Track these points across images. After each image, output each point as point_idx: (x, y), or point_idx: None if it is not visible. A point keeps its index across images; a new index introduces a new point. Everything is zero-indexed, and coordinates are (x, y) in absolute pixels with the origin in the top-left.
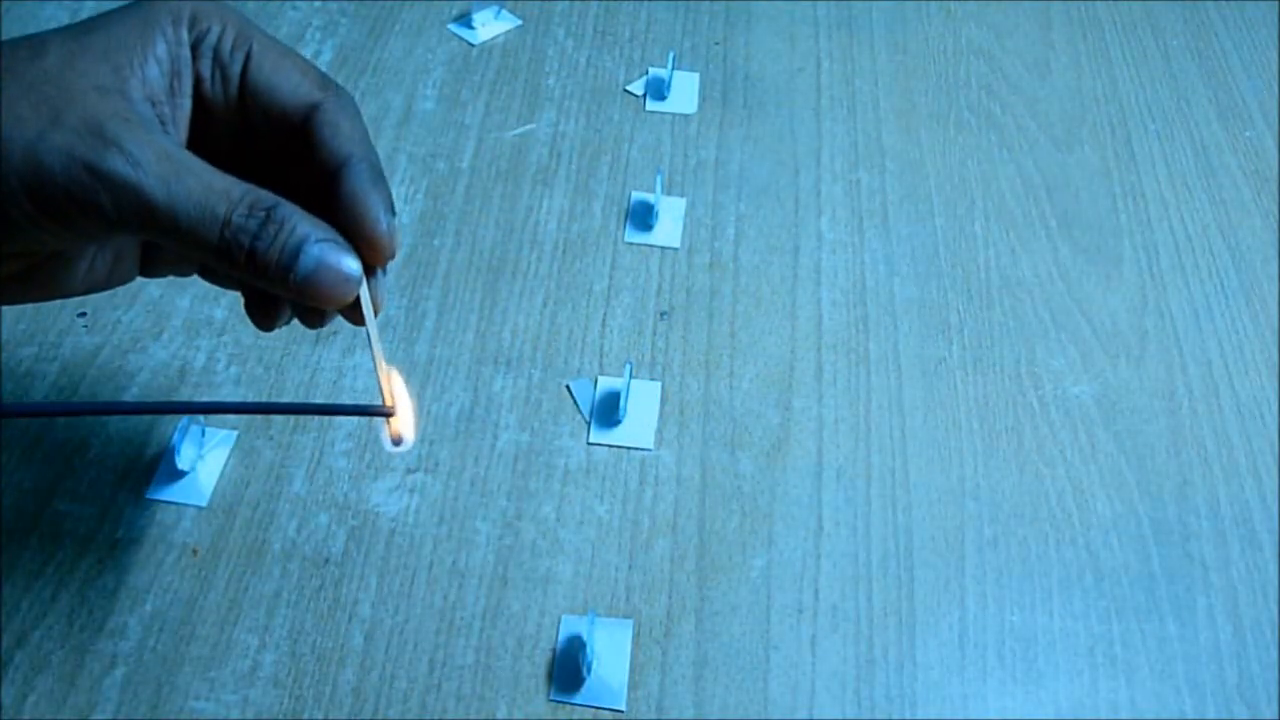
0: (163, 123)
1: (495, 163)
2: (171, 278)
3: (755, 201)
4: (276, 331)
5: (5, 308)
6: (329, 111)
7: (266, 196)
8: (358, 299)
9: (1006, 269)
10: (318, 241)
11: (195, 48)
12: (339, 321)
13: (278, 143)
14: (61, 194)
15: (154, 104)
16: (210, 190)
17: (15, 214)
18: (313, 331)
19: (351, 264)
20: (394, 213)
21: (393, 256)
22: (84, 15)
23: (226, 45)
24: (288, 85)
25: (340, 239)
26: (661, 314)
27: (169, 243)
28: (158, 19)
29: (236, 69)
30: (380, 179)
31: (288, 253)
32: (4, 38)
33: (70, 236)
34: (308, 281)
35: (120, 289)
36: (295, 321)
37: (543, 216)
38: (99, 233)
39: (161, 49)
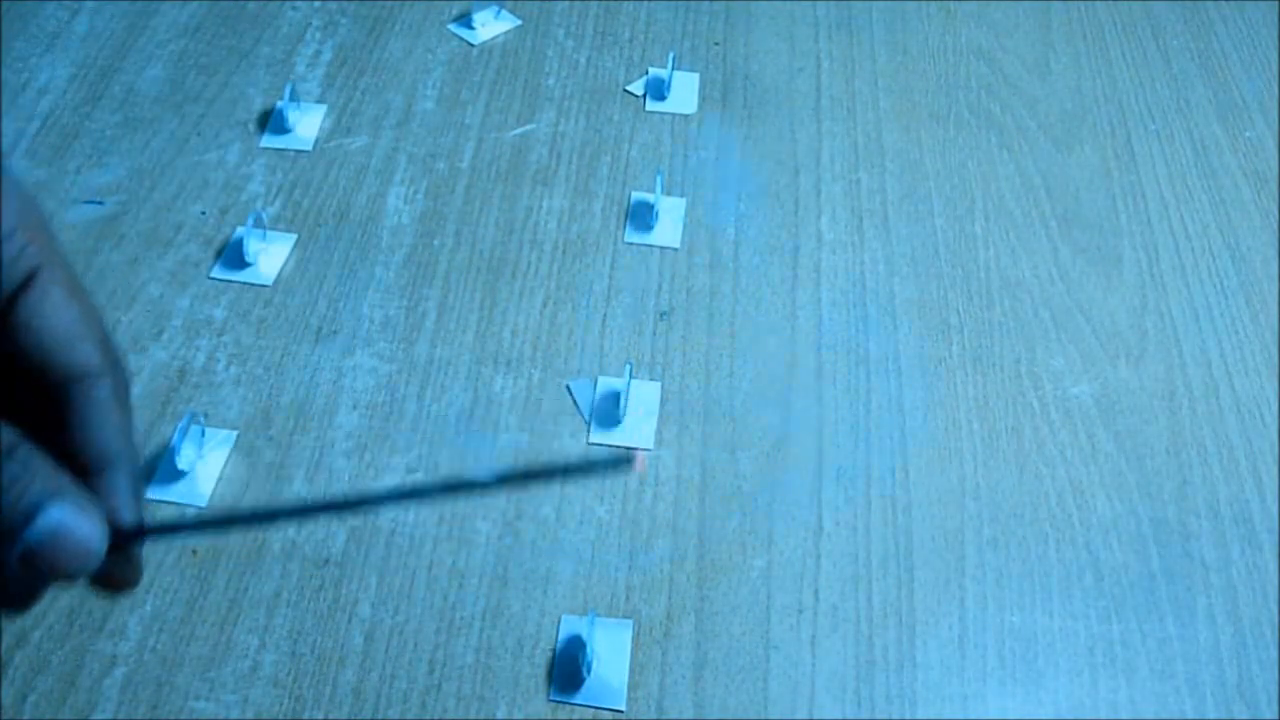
0: None
1: (495, 163)
2: (171, 278)
3: (755, 201)
4: (275, 331)
5: None
6: (104, 392)
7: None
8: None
9: (1006, 269)
10: (54, 506)
11: None
12: (339, 322)
13: (20, 386)
14: None
15: None
16: None
17: None
18: (312, 332)
19: (95, 538)
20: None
21: (136, 583)
22: (83, 15)
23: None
24: (61, 332)
25: (82, 501)
26: (661, 314)
27: None
28: None
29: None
30: (140, 491)
31: (20, 511)
32: (4, 38)
33: None
34: (40, 548)
35: (120, 289)
36: (295, 321)
37: (543, 216)
38: None
39: None
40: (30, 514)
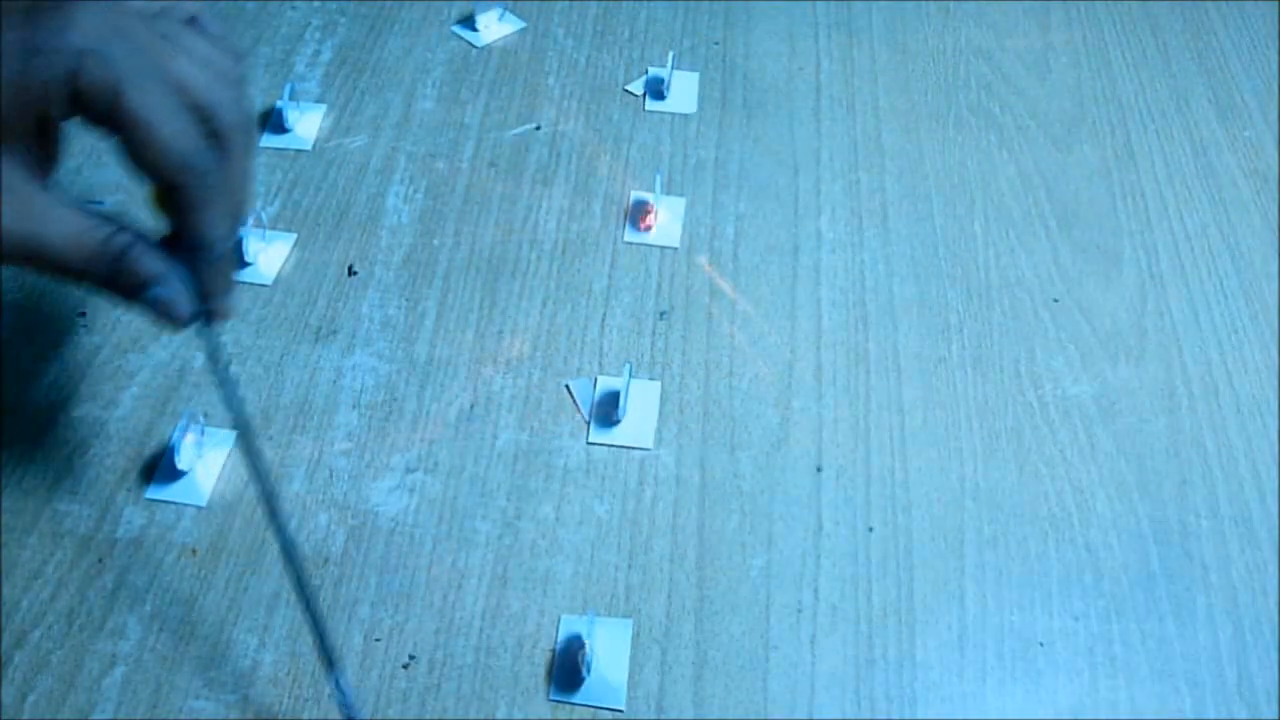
0: (38, 158)
1: (495, 162)
2: None
3: (755, 201)
4: (275, 331)
5: (6, 306)
6: (199, 190)
7: (119, 240)
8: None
9: (1006, 269)
10: (157, 287)
11: (73, 101)
12: (339, 322)
13: None
14: None
15: (27, 149)
16: (70, 235)
17: None
18: (312, 332)
19: (183, 309)
20: (231, 288)
21: (227, 317)
22: None
23: (102, 106)
24: (155, 146)
25: (178, 288)
26: (661, 314)
27: (50, 273)
28: (37, 85)
29: (115, 126)
30: (224, 268)
31: (135, 291)
32: None
33: None
34: (150, 310)
35: None
36: (294, 321)
37: (543, 216)
38: None
39: (38, 115)
40: (140, 289)
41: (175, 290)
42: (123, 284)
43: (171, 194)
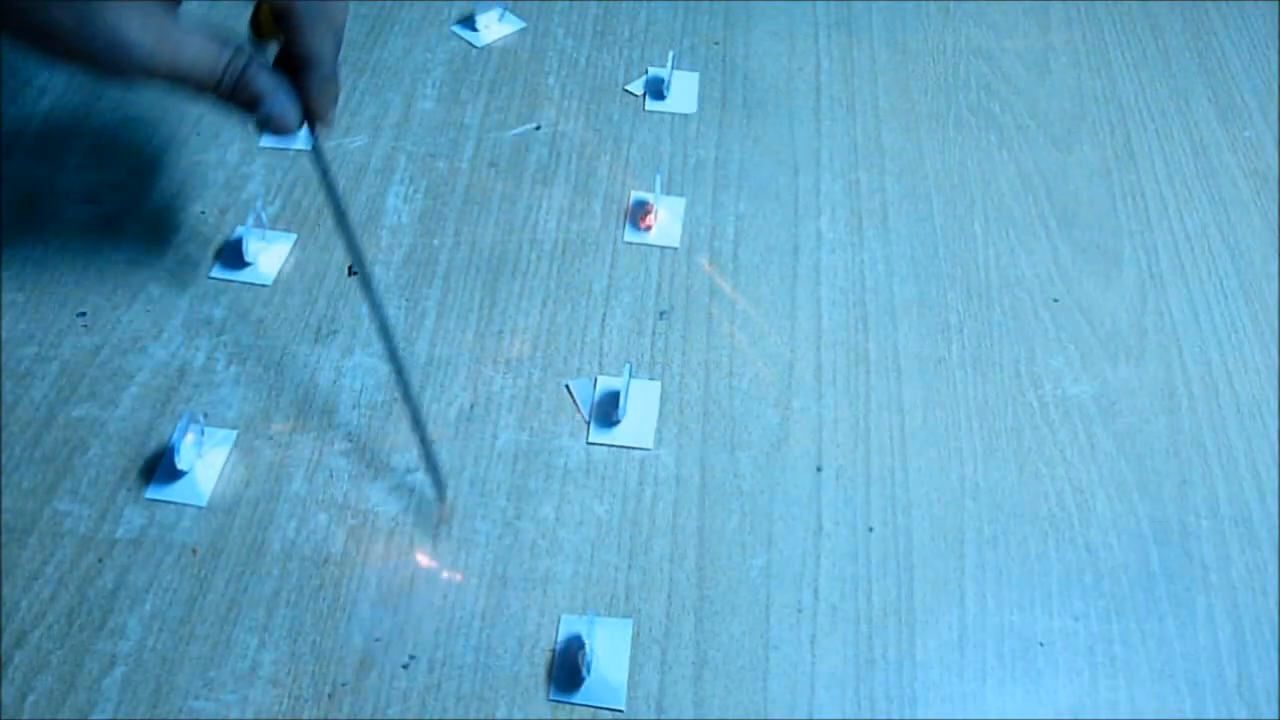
0: None
1: (495, 162)
2: (171, 278)
3: (755, 201)
4: (274, 332)
5: (6, 306)
6: (306, 14)
7: (238, 61)
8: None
9: (1006, 269)
10: (269, 101)
11: None
12: (339, 322)
13: None
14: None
15: None
16: (199, 56)
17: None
18: (312, 332)
19: (292, 120)
20: (337, 99)
21: (330, 126)
22: None
23: None
24: None
25: (286, 102)
26: (661, 314)
27: (181, 89)
28: None
29: None
30: (331, 82)
31: (251, 105)
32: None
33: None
34: (263, 122)
35: (120, 289)
36: (294, 321)
37: (543, 216)
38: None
39: None
40: (256, 103)
41: (284, 104)
42: (240, 99)
43: (284, 18)
